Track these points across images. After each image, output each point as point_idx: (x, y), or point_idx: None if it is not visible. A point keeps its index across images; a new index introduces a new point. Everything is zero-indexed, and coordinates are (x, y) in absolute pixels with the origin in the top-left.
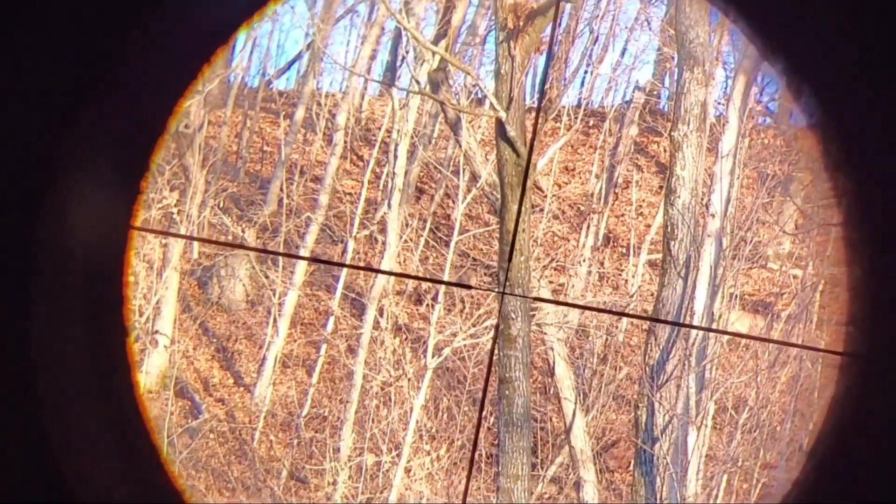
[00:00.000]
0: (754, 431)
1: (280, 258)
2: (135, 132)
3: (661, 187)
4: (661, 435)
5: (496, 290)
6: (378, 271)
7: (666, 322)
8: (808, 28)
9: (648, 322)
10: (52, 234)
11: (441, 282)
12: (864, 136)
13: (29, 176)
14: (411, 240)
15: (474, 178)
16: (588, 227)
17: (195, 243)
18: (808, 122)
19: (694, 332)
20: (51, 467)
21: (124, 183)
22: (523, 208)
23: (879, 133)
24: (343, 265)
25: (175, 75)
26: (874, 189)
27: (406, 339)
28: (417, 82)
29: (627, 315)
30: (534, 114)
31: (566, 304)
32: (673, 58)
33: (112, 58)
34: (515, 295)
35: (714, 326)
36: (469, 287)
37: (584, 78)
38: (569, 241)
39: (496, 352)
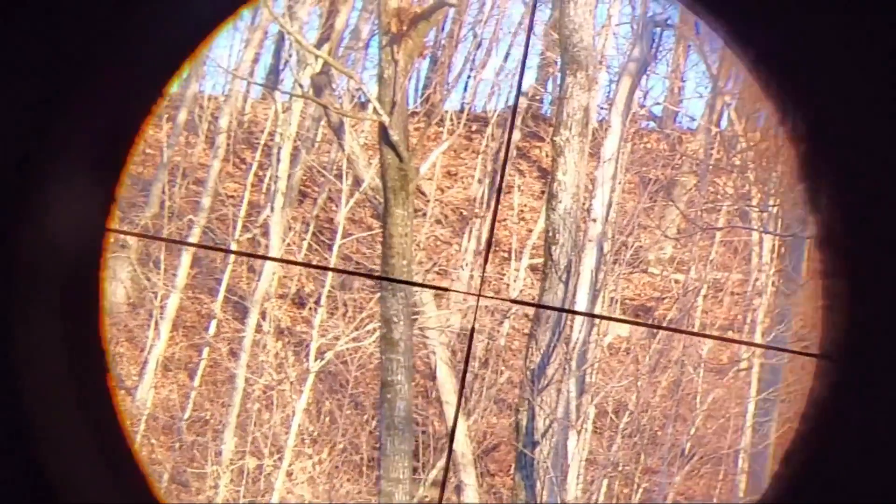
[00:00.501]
0: (635, 436)
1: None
2: (110, 135)
3: (542, 192)
4: (542, 439)
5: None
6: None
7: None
8: (782, 26)
9: (530, 326)
10: (28, 236)
11: (421, 285)
12: (840, 142)
13: (4, 179)
14: (294, 243)
15: (357, 182)
16: (470, 232)
17: None
18: (785, 127)
19: (574, 336)
20: (31, 466)
21: (100, 186)
22: (407, 212)
23: (856, 139)
24: (339, 270)
25: (148, 80)
26: (851, 193)
27: (289, 342)
28: (300, 86)
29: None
30: (417, 118)
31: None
32: (556, 62)
33: (86, 63)
34: (494, 297)
35: (594, 331)
36: (446, 290)
37: (466, 83)
38: (451, 245)
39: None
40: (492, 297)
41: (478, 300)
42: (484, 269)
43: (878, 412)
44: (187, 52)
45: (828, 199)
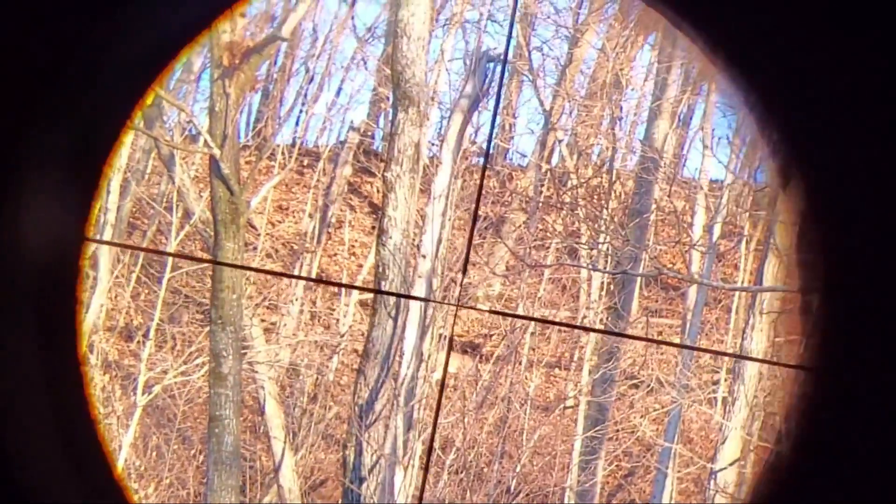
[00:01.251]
0: (461, 472)
1: None
2: (86, 144)
3: (373, 227)
4: (369, 475)
5: (452, 303)
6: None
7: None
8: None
9: (359, 361)
10: (3, 246)
11: (399, 295)
12: (821, 152)
13: None
14: (122, 275)
15: (188, 214)
16: (301, 266)
17: None
18: (764, 138)
19: (403, 371)
20: (5, 481)
21: (76, 195)
22: (238, 245)
23: (836, 146)
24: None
25: (129, 84)
26: (829, 202)
27: (116, 375)
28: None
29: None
30: (248, 152)
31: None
32: (388, 98)
33: (64, 68)
34: (473, 308)
35: (422, 367)
36: (427, 300)
37: (298, 117)
38: (281, 279)
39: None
40: (472, 308)
41: (456, 311)
42: (464, 274)
43: (859, 423)
44: (166, 61)
45: (805, 209)
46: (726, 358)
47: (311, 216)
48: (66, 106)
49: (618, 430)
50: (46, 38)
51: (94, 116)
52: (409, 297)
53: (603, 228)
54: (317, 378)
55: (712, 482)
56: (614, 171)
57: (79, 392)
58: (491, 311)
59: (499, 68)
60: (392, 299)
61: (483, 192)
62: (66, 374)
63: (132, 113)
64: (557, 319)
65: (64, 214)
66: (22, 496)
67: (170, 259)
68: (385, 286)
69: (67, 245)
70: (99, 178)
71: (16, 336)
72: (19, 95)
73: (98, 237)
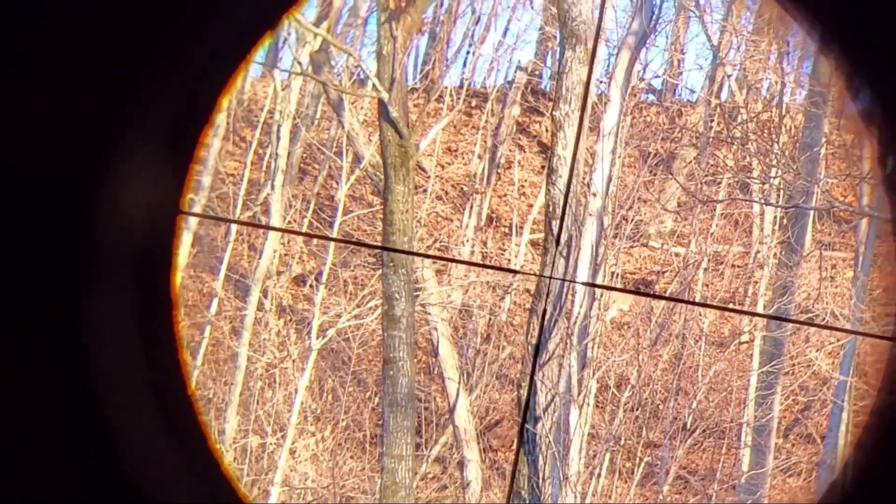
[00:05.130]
0: (637, 410)
1: None
2: (182, 117)
3: (543, 167)
4: (544, 414)
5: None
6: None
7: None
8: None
9: (531, 301)
10: (100, 219)
11: (484, 265)
12: None
13: (78, 162)
14: (295, 220)
15: (357, 158)
16: (471, 208)
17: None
18: (859, 105)
19: (575, 311)
20: (103, 450)
21: (172, 168)
22: (407, 189)
23: None
24: (386, 249)
25: (223, 59)
26: None
27: (290, 320)
28: (299, 63)
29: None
30: (416, 95)
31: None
32: (555, 37)
33: (159, 43)
34: (564, 279)
35: (595, 305)
36: (515, 272)
37: (466, 58)
38: (452, 221)
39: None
40: (557, 279)
41: (549, 282)
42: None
43: None
44: (259, 34)
45: None
46: None
47: (480, 157)
48: (161, 81)
49: (794, 365)
50: (142, 14)
51: (188, 91)
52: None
53: (774, 163)
54: (489, 318)
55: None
56: (783, 106)
57: (176, 366)
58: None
59: (665, 4)
60: (563, 238)
61: (653, 128)
62: (163, 349)
63: (226, 87)
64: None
65: (160, 189)
66: (121, 471)
67: (341, 203)
68: (555, 225)
69: (163, 219)
70: (193, 153)
71: (113, 310)
72: (115, 71)
73: (271, 183)
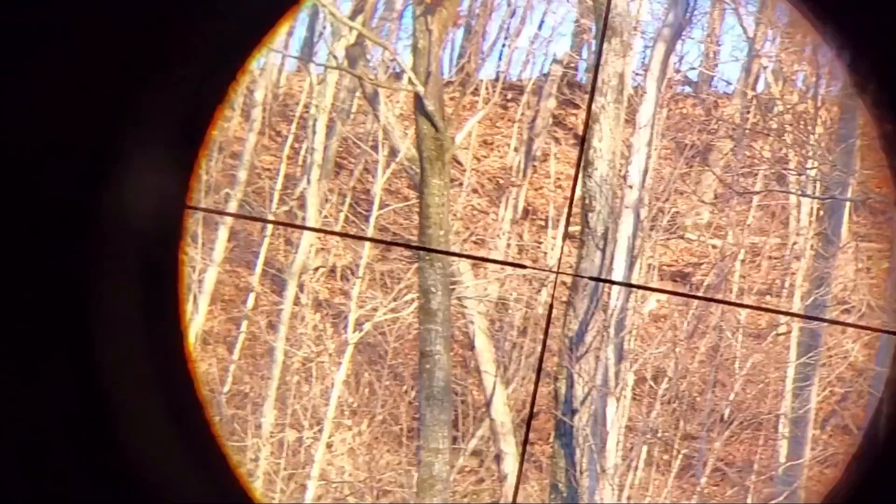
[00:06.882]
0: (674, 402)
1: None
2: (190, 110)
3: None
4: (581, 406)
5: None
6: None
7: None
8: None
9: (568, 294)
10: (108, 212)
11: (495, 261)
12: None
13: (85, 154)
14: (331, 215)
15: (393, 152)
16: (507, 201)
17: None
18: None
19: (612, 303)
20: (108, 443)
21: (180, 161)
22: (443, 182)
23: None
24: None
25: (231, 52)
26: None
27: (327, 314)
28: (335, 57)
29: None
30: (452, 88)
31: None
32: (591, 29)
33: (166, 35)
34: (573, 275)
35: (632, 298)
36: (523, 267)
37: (501, 51)
38: (488, 214)
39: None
40: (570, 274)
41: (556, 277)
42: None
43: None
44: (268, 27)
45: None
46: None
47: (515, 150)
48: (169, 74)
49: (830, 356)
50: (151, 6)
51: (196, 85)
52: (495, 261)
53: (810, 154)
54: (526, 311)
55: None
56: (819, 98)
57: (182, 360)
58: (591, 279)
59: None
60: (599, 230)
61: (689, 120)
62: (170, 343)
63: (234, 80)
64: (767, 245)
65: (167, 182)
66: (127, 462)
67: (377, 196)
68: (592, 218)
69: (170, 212)
70: (201, 147)
71: (120, 304)
72: (123, 64)
73: (307, 177)
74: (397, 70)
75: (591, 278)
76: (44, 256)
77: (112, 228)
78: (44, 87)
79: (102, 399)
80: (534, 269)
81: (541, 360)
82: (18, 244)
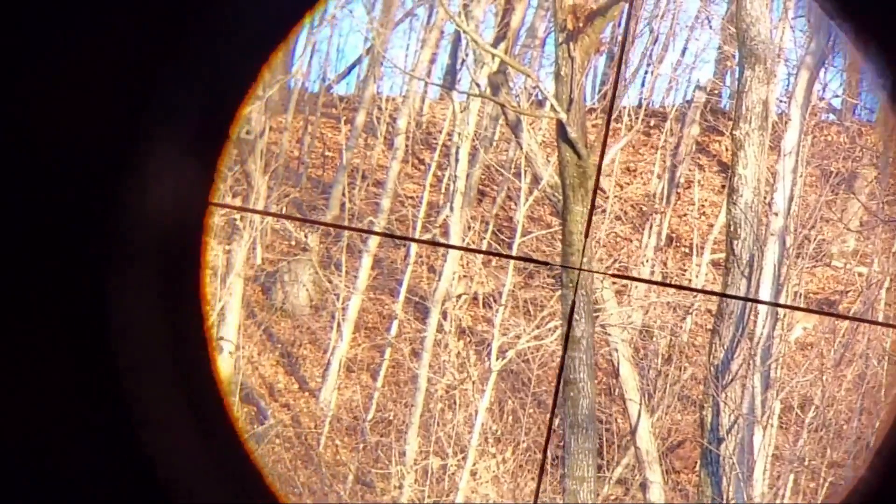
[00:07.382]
0: (821, 430)
1: (343, 265)
2: (212, 107)
3: (723, 186)
4: (727, 435)
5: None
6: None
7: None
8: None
9: (713, 322)
10: (129, 209)
11: (532, 262)
12: None
13: (106, 151)
14: (473, 242)
15: (536, 179)
16: (650, 228)
17: (258, 250)
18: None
19: (758, 331)
20: (130, 444)
21: (202, 158)
22: (586, 209)
23: None
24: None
25: (253, 50)
26: None
27: (470, 341)
28: (477, 85)
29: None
30: (595, 115)
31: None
32: (734, 56)
33: (188, 33)
34: (746, 299)
35: (778, 326)
36: (547, 264)
37: (644, 78)
38: (631, 241)
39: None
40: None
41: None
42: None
43: None
44: (290, 25)
45: None
46: None
47: (659, 177)
48: (190, 72)
49: None
50: (171, 2)
51: (218, 82)
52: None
53: None
54: (671, 339)
55: None
56: None
57: (204, 358)
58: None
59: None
60: (745, 257)
61: (834, 147)
62: (191, 341)
63: (256, 78)
64: None
65: (189, 179)
66: (147, 462)
67: (519, 224)
68: (737, 245)
69: (192, 210)
70: (223, 144)
71: (141, 301)
72: (145, 61)
73: (449, 205)
74: (540, 97)
75: (766, 302)
76: (64, 257)
77: (133, 228)
78: (63, 84)
79: (123, 402)
80: (556, 266)
81: None
82: (38, 245)
